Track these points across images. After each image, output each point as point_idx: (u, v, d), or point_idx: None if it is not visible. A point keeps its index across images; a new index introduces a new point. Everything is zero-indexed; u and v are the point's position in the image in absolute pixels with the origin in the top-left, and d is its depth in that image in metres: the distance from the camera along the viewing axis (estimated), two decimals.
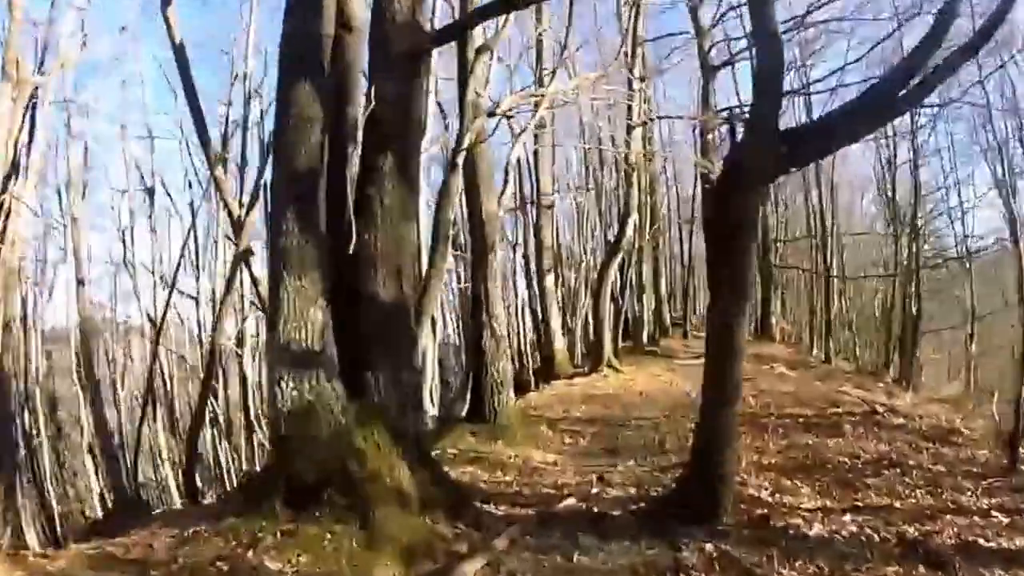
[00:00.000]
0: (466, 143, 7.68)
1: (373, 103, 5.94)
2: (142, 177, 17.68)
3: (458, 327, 20.85)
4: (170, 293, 12.65)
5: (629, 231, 15.51)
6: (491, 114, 8.44)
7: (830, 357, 25.32)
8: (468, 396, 9.99)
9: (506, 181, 10.42)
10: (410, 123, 6.37)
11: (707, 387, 5.47)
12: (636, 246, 18.74)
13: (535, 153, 16.86)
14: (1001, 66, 14.98)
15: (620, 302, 18.75)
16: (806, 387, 12.99)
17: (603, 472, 7.24)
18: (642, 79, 15.93)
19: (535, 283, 18.06)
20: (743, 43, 18.03)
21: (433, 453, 8.65)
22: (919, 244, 20.84)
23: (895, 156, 22.56)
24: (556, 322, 16.72)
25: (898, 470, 7.36)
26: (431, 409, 13.40)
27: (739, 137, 5.94)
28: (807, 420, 9.78)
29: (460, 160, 7.73)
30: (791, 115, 23.40)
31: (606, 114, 16.28)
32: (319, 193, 5.83)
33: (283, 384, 5.54)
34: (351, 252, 5.98)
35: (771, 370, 16.08)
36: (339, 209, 6.41)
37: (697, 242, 25.83)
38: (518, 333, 19.82)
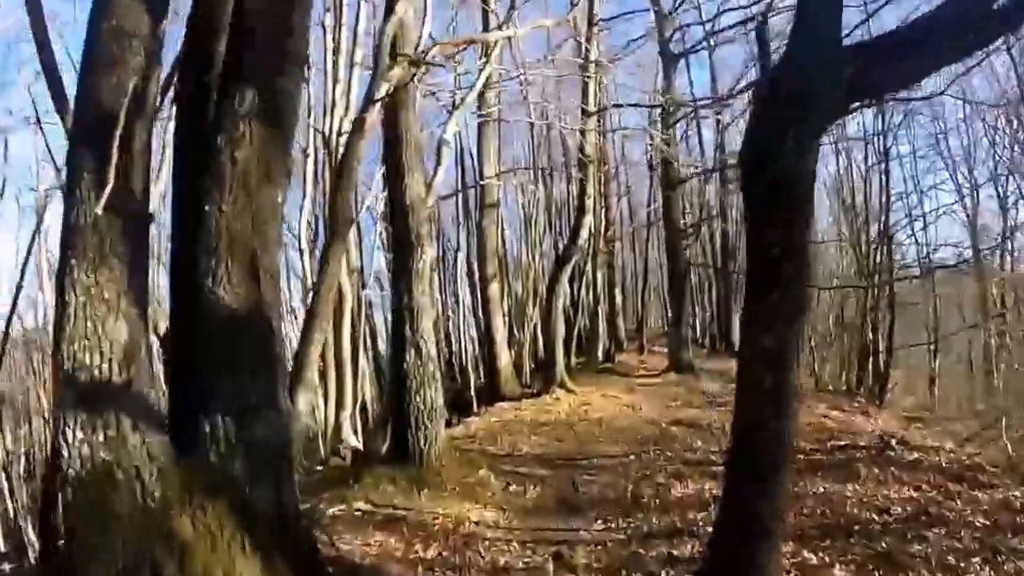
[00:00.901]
0: (379, 93, 5.67)
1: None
2: None
3: None
4: (15, 296, 10.06)
5: (584, 234, 13.77)
6: (415, 63, 6.50)
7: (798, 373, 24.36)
8: (388, 430, 7.89)
9: (439, 162, 8.44)
10: (286, 47, 4.35)
11: (740, 454, 3.60)
12: (591, 252, 17.02)
13: (479, 135, 14.93)
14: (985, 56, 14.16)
15: (572, 315, 16.99)
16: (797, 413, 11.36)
17: (561, 545, 5.26)
18: (598, 64, 14.24)
19: (478, 292, 16.09)
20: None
21: (336, 510, 6.62)
22: (891, 252, 19.75)
23: (866, 158, 21.58)
24: (501, 335, 14.77)
25: (941, 530, 5.71)
26: (353, 440, 11.23)
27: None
28: (811, 458, 8.08)
29: (371, 118, 5.72)
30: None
31: (557, 107, 14.48)
32: (136, 143, 3.82)
33: (68, 436, 3.53)
34: (189, 232, 4.04)
35: None
36: (185, 170, 4.49)
37: (652, 252, 24.50)
38: (459, 347, 17.78)
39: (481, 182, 14.17)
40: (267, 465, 3.98)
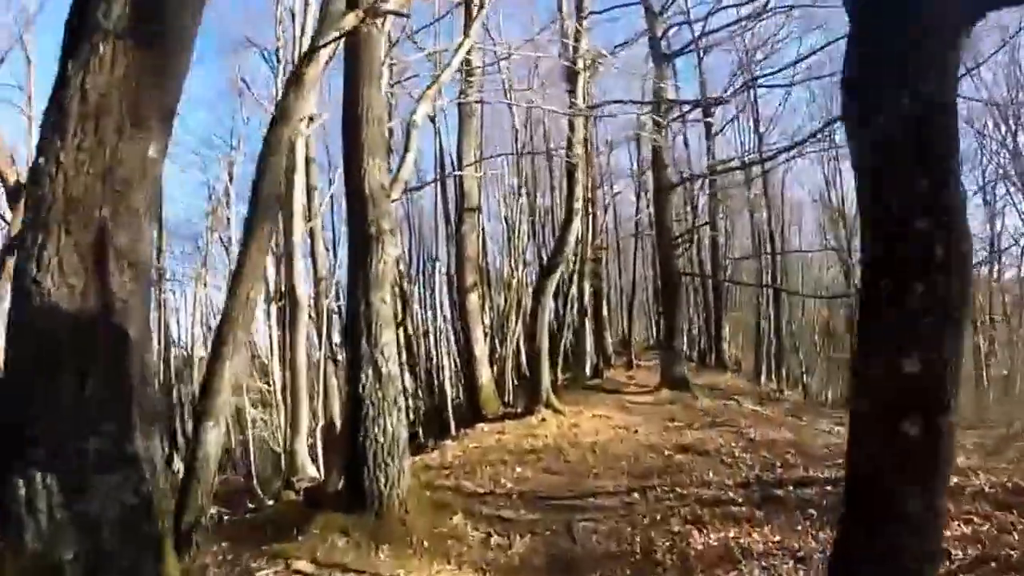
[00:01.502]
0: (324, 39, 4.35)
1: None
2: None
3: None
4: None
5: (571, 241, 12.49)
6: (372, 13, 5.17)
7: (782, 387, 23.27)
8: (343, 467, 6.43)
9: (407, 147, 7.13)
10: None
11: (859, 543, 2.24)
12: (578, 261, 15.75)
13: (459, 127, 13.65)
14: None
15: (558, 329, 15.68)
16: (803, 433, 10.13)
17: None
18: (586, 65, 13.08)
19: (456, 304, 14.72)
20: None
21: (271, 573, 5.19)
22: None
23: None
24: (481, 350, 13.37)
25: None
26: (311, 470, 9.74)
27: None
28: (840, 489, 6.76)
29: (314, 70, 4.39)
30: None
31: (542, 97, 13.25)
32: None
33: None
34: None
35: (740, 408, 13.33)
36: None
37: (640, 266, 23.34)
38: (436, 362, 16.34)
39: (459, 172, 12.83)
40: (120, 549, 2.58)
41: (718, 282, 19.74)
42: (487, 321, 16.03)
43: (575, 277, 16.30)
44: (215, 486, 5.25)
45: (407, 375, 16.75)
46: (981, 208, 22.33)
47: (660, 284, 16.14)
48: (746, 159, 18.95)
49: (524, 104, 11.66)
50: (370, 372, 5.64)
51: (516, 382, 15.57)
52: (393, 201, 6.75)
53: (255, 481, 10.85)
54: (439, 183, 15.86)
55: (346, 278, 6.57)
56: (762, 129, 20.75)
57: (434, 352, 16.47)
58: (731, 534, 5.59)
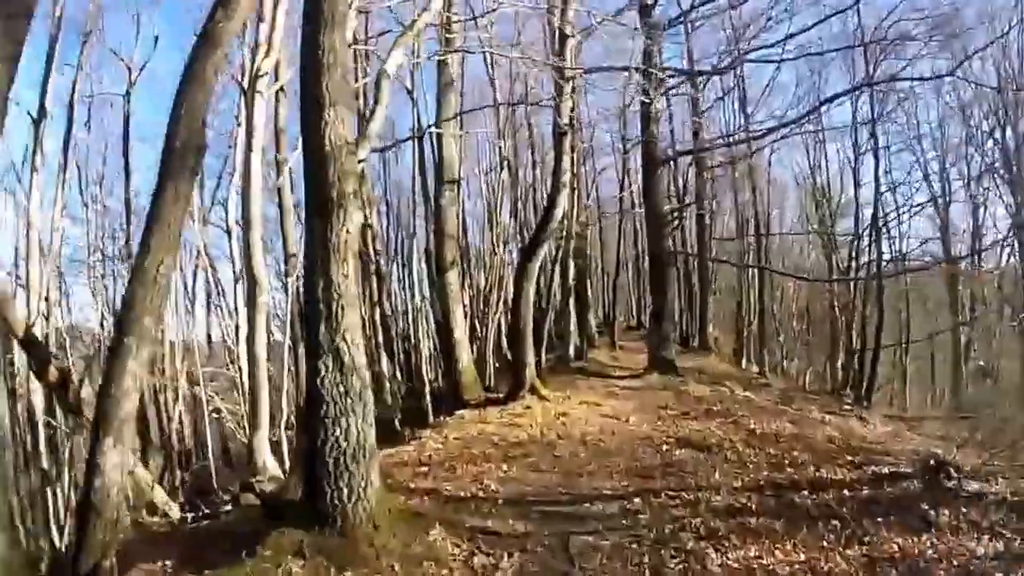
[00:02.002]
0: None
1: None
2: None
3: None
4: None
5: (558, 214, 11.48)
6: None
7: (764, 371, 22.71)
8: (302, 473, 5.44)
9: (377, 100, 6.06)
10: None
11: None
12: (564, 238, 14.78)
13: (438, 82, 12.50)
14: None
15: (542, 308, 14.72)
16: (803, 424, 9.37)
17: None
18: (574, 33, 11.96)
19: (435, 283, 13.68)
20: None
21: None
22: (879, 246, 18.11)
23: (855, 147, 19.93)
24: (462, 332, 12.42)
25: None
26: (273, 467, 8.71)
27: None
28: (857, 493, 6.04)
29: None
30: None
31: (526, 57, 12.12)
32: None
33: None
34: None
35: (732, 395, 12.57)
36: None
37: (622, 246, 22.43)
38: (413, 345, 15.34)
39: (435, 129, 11.72)
40: None
41: (707, 261, 18.92)
42: (467, 300, 15.06)
43: (559, 255, 15.32)
44: (121, 520, 4.22)
45: (384, 358, 15.76)
46: (962, 201, 21.94)
47: (648, 263, 15.27)
48: (737, 136, 18.05)
49: (510, 55, 10.45)
50: (330, 362, 4.63)
51: (497, 364, 14.65)
52: (360, 162, 5.69)
53: (214, 480, 9.81)
54: (417, 157, 14.68)
55: (303, 251, 5.50)
56: (749, 110, 19.94)
57: (411, 333, 15.44)
58: (752, 553, 4.76)
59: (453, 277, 12.52)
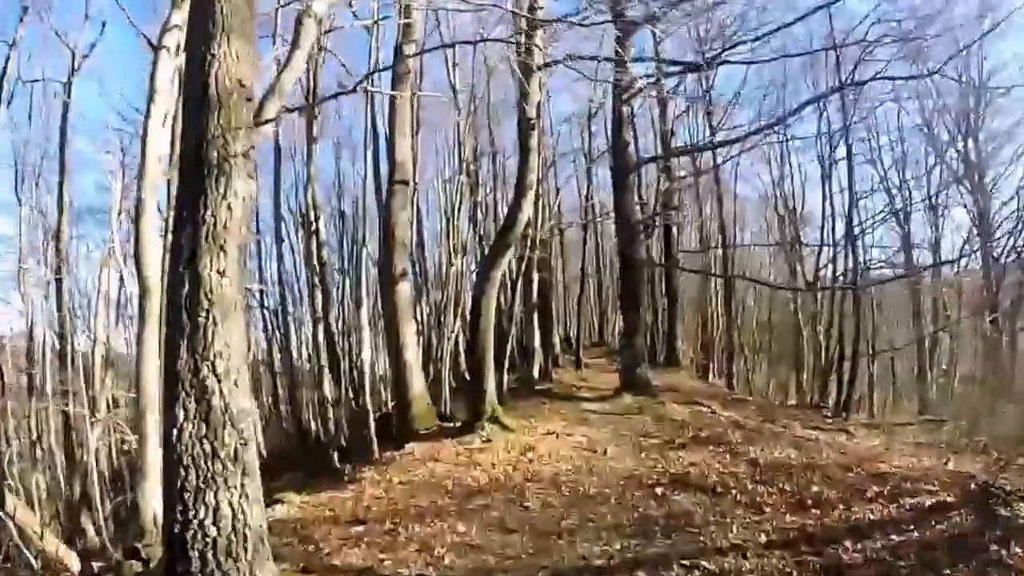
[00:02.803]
0: None
1: None
2: None
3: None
4: None
5: (523, 217, 9.99)
6: None
7: (733, 385, 21.64)
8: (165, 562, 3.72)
9: (296, 43, 4.47)
10: None
11: None
12: (528, 246, 13.28)
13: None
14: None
15: (504, 324, 13.16)
16: (806, 449, 8.01)
17: None
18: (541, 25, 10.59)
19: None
20: None
21: None
22: (854, 255, 17.21)
23: (823, 159, 19.13)
24: (413, 352, 10.74)
25: None
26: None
27: None
28: (908, 537, 4.74)
29: None
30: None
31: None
32: None
33: None
34: None
35: (714, 415, 11.23)
36: None
37: (585, 259, 21.07)
38: (353, 364, 13.53)
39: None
40: None
41: (676, 272, 17.67)
42: (422, 317, 13.39)
43: (522, 267, 13.81)
44: None
45: (327, 379, 13.90)
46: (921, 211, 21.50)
47: (620, 275, 13.88)
48: (707, 142, 17.01)
49: (477, 6, 8.91)
50: (191, 405, 2.97)
51: (455, 384, 12.96)
52: (265, 123, 4.06)
53: (105, 536, 7.84)
54: (372, 160, 12.94)
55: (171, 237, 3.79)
56: (715, 121, 19.00)
57: (356, 355, 13.64)
58: None
59: (404, 290, 10.86)
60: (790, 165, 23.16)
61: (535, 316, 14.84)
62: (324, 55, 13.43)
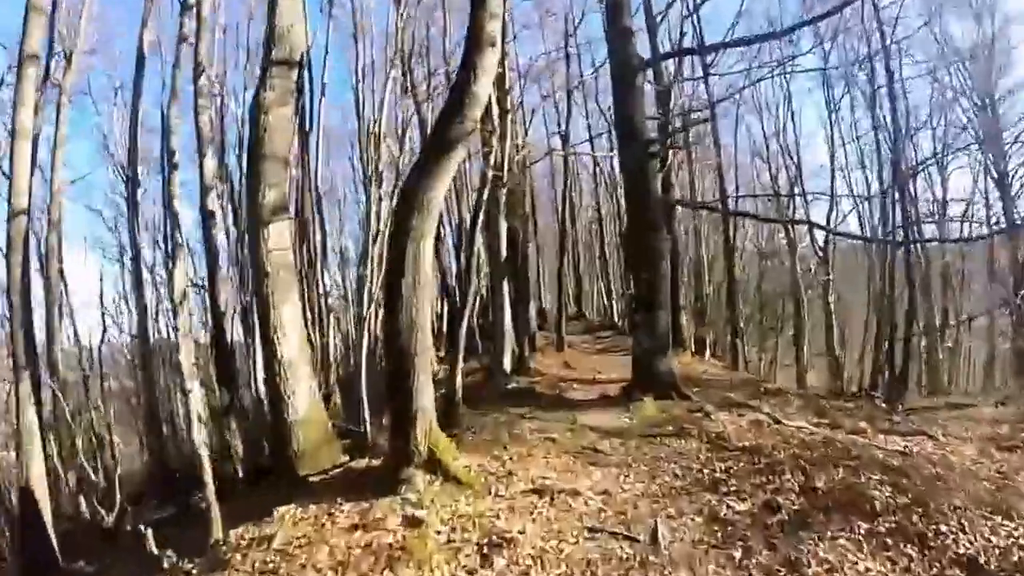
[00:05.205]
0: None
1: None
2: None
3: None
4: None
5: (481, 87, 5.20)
6: None
7: (737, 363, 17.58)
8: None
9: None
10: None
11: None
12: (492, 181, 8.54)
13: None
14: None
15: (456, 295, 8.49)
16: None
17: None
18: None
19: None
20: None
21: None
22: (906, 207, 12.95)
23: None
24: (296, 345, 6.01)
25: None
26: None
27: None
28: None
29: None
30: None
31: None
32: None
33: None
34: None
35: (777, 429, 6.85)
36: None
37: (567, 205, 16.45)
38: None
39: None
40: None
41: (675, 224, 13.08)
42: (318, 286, 8.59)
43: (483, 214, 9.03)
44: None
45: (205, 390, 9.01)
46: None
47: (627, 222, 9.38)
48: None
49: None
50: None
51: (366, 397, 8.07)
52: None
53: None
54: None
55: None
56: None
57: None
58: None
59: (279, 235, 6.09)
60: (792, 114, 19.05)
61: (503, 286, 10.14)
62: None
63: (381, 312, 6.24)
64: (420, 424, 5.00)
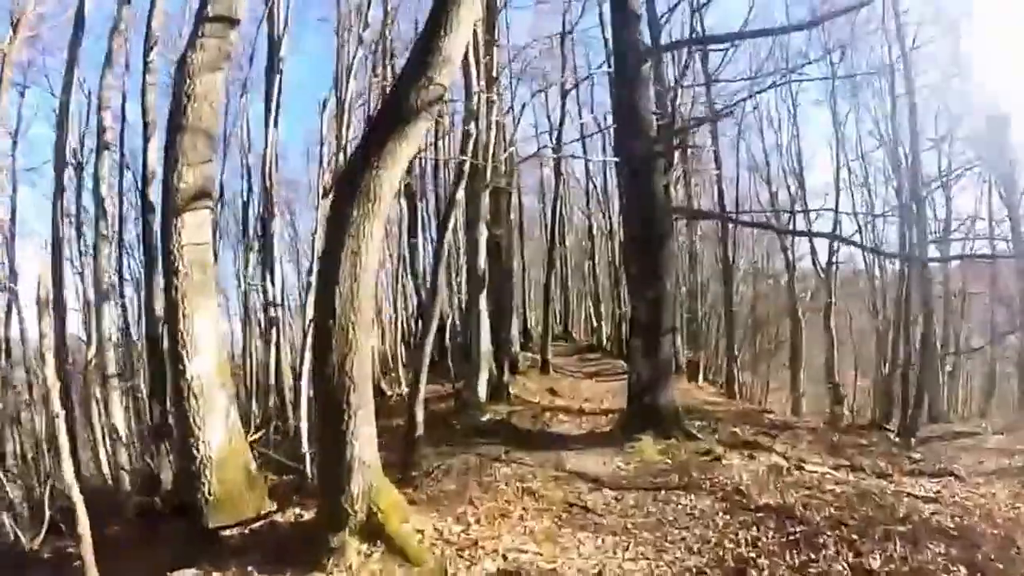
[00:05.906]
0: None
1: None
2: None
3: None
4: None
5: (450, 50, 4.07)
6: None
7: (734, 391, 16.50)
8: None
9: None
10: None
11: None
12: (473, 174, 7.37)
13: None
14: None
15: (423, 309, 7.26)
16: None
17: None
18: None
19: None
20: None
21: None
22: (922, 225, 11.96)
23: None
24: (210, 361, 4.73)
25: None
26: None
27: None
28: None
29: None
30: None
31: None
32: None
33: None
34: None
35: (802, 474, 5.66)
36: None
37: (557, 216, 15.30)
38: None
39: None
40: None
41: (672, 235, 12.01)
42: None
43: (456, 211, 7.79)
44: None
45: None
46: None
47: (629, 227, 8.24)
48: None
49: None
50: None
51: (305, 427, 6.66)
52: None
53: None
54: None
55: None
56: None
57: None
58: None
59: (197, 227, 4.83)
60: (796, 129, 18.13)
61: (481, 299, 8.89)
62: None
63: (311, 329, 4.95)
64: (357, 479, 3.75)
